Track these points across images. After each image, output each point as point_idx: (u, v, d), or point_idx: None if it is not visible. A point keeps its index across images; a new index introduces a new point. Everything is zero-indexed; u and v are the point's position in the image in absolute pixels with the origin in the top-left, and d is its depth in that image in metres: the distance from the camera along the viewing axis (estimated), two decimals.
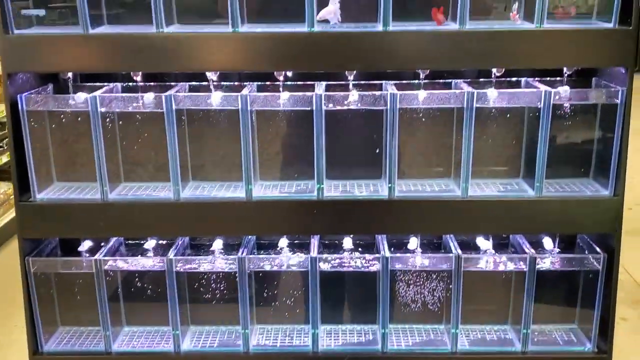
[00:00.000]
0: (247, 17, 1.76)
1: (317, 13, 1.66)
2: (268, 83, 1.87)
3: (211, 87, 1.84)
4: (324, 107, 1.70)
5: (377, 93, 1.70)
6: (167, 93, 1.70)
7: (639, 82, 2.39)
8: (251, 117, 1.74)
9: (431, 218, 1.74)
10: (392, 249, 1.88)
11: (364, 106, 1.71)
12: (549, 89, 1.68)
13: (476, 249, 1.93)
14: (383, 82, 1.83)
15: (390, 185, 1.75)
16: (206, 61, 1.65)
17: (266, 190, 1.84)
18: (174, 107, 1.69)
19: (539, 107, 1.68)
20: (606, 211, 1.71)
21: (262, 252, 1.97)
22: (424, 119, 1.79)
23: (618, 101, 1.65)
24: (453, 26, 1.67)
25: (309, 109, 1.70)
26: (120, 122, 1.79)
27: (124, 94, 1.78)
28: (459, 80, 1.82)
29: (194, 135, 1.85)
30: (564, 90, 1.75)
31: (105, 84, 1.86)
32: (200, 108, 1.74)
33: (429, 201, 1.74)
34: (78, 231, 1.80)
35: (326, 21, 1.68)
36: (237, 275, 1.78)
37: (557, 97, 1.67)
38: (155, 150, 1.83)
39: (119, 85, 1.87)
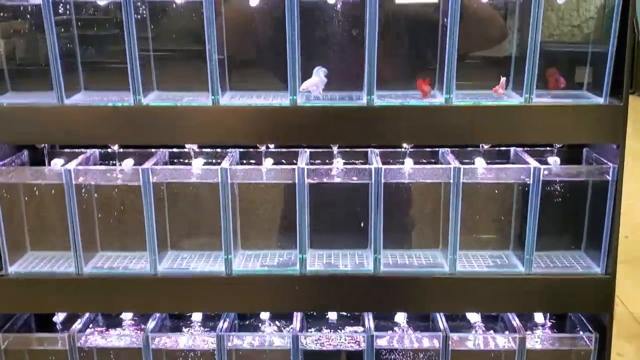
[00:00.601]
0: (229, 85, 1.73)
1: (300, 84, 1.62)
2: (251, 150, 1.83)
3: (192, 154, 1.79)
4: (307, 180, 1.65)
5: (361, 167, 1.65)
6: (145, 166, 1.65)
7: (636, 102, 2.35)
8: (232, 188, 1.69)
9: (418, 295, 1.68)
10: (378, 321, 1.83)
11: (348, 180, 1.66)
12: (537, 165, 1.63)
13: (465, 320, 1.87)
14: (369, 150, 1.79)
15: (375, 256, 1.70)
16: (186, 134, 1.60)
17: (247, 261, 1.77)
18: (151, 180, 1.64)
19: (528, 182, 1.64)
20: (598, 291, 1.66)
21: (244, 322, 1.91)
22: (409, 191, 1.74)
23: (609, 178, 1.61)
24: (438, 99, 1.63)
25: (292, 182, 1.65)
26: (97, 194, 1.73)
27: (100, 167, 1.73)
28: (445, 150, 1.78)
29: (172, 205, 1.79)
30: (554, 162, 1.71)
31: (83, 150, 1.81)
32: (178, 181, 1.68)
33: (416, 278, 1.68)
34: (52, 306, 1.73)
35: (309, 92, 1.64)
36: (215, 353, 1.72)
37: (546, 173, 1.63)
38: (133, 221, 1.77)
39: (96, 152, 1.82)
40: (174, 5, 1.66)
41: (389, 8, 1.61)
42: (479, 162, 1.74)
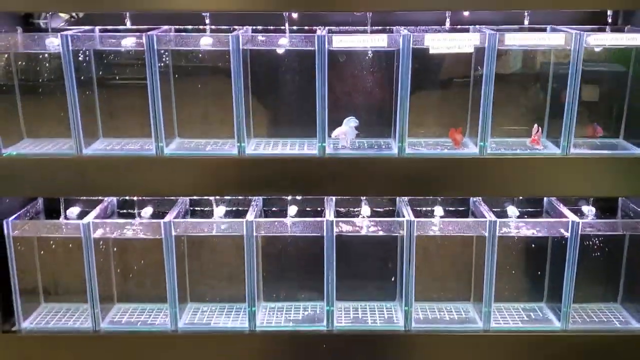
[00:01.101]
0: (253, 132, 1.67)
1: (330, 132, 1.56)
2: (275, 197, 1.77)
3: (213, 204, 1.73)
4: (334, 232, 1.58)
5: (391, 220, 1.59)
6: (166, 219, 1.58)
7: None
8: (256, 239, 1.63)
9: (451, 353, 1.61)
10: None
11: (377, 233, 1.59)
12: (576, 219, 1.57)
13: None
14: (397, 198, 1.73)
15: (406, 308, 1.63)
16: (209, 185, 1.54)
17: (271, 315, 1.71)
18: (172, 233, 1.57)
19: (565, 236, 1.58)
20: (638, 347, 1.59)
21: None
22: (441, 243, 1.68)
23: None
24: (471, 148, 1.57)
25: (319, 234, 1.59)
26: (115, 248, 1.67)
27: (119, 220, 1.66)
28: (479, 204, 1.71)
29: (193, 255, 1.73)
30: (589, 211, 1.66)
31: (99, 197, 1.75)
32: (200, 235, 1.62)
33: (449, 335, 1.61)
34: None
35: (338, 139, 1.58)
36: None
37: (584, 227, 1.57)
38: (152, 272, 1.70)
39: (114, 200, 1.75)
40: (199, 54, 1.61)
41: (422, 57, 1.56)
42: (511, 211, 1.68)
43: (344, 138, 1.57)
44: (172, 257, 1.59)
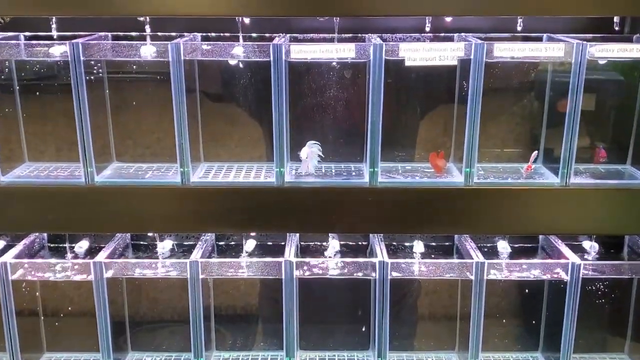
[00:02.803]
0: (203, 156, 1.45)
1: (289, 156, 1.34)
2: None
3: (157, 238, 1.50)
4: (295, 274, 1.36)
5: (363, 261, 1.36)
6: (97, 259, 1.35)
7: None
8: (205, 282, 1.40)
9: None
10: None
11: (345, 275, 1.37)
12: (577, 260, 1.35)
13: None
14: (370, 236, 1.50)
15: (380, 359, 1.40)
16: (144, 220, 1.30)
17: None
18: (104, 274, 1.34)
19: (565, 279, 1.35)
20: None
21: None
22: (421, 286, 1.45)
23: None
24: (455, 176, 1.35)
25: (277, 277, 1.36)
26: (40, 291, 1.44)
27: (36, 260, 1.42)
28: (465, 240, 1.48)
29: (133, 299, 1.50)
30: (592, 248, 1.44)
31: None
32: (140, 276, 1.39)
33: None
34: None
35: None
36: None
37: (586, 270, 1.34)
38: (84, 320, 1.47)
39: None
40: (141, 65, 1.38)
41: (396, 70, 1.34)
42: (502, 246, 1.46)
43: (305, 162, 1.35)
44: (104, 301, 1.36)
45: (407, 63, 1.26)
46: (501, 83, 1.36)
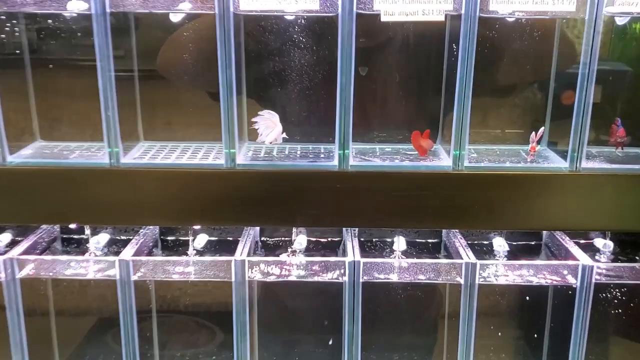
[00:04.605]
0: (143, 134, 1.22)
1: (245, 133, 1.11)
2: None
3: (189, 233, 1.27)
4: (247, 277, 1.13)
5: (333, 260, 1.13)
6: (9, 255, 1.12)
7: None
8: (141, 285, 1.18)
9: None
10: None
11: (309, 277, 1.14)
12: (588, 260, 1.12)
13: None
14: (343, 230, 1.27)
15: None
16: (65, 208, 1.08)
17: None
18: (17, 274, 1.11)
19: (574, 285, 1.13)
20: None
21: None
22: (401, 292, 1.22)
23: None
24: (443, 160, 1.12)
25: (228, 279, 1.13)
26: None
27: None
28: (454, 237, 1.25)
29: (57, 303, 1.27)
30: (605, 247, 1.21)
31: None
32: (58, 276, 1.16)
33: None
34: None
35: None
36: None
37: (600, 273, 1.12)
38: None
39: None
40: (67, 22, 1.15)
41: (371, 26, 1.11)
42: (499, 244, 1.24)
43: (265, 128, 1.11)
44: (16, 304, 1.13)
45: (383, 18, 1.03)
46: (498, 46, 1.12)
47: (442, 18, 1.04)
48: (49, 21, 1.10)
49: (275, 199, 1.07)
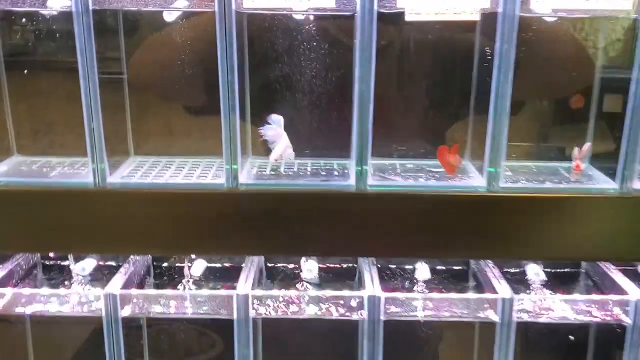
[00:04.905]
0: (133, 149, 1.08)
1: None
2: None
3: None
4: (252, 314, 0.99)
5: (345, 295, 1.00)
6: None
7: None
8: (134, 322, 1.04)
9: None
10: None
11: (324, 314, 1.00)
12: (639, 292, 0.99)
13: None
14: (360, 259, 1.13)
15: None
16: (41, 237, 0.95)
17: None
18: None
19: (623, 322, 0.99)
20: None
21: None
22: (424, 330, 1.09)
23: None
24: (474, 178, 0.99)
25: (229, 317, 0.99)
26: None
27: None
28: (485, 264, 1.11)
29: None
30: None
31: None
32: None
33: None
34: None
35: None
36: None
37: None
38: None
39: None
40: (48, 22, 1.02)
41: (394, 28, 0.98)
42: (533, 272, 1.10)
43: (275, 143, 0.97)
44: None
45: (408, 17, 0.89)
46: (539, 48, 0.99)
47: (476, 17, 0.91)
48: (24, 20, 0.98)
49: (284, 224, 0.93)
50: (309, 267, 1.09)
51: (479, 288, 1.07)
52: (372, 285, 0.99)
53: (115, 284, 0.98)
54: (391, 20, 0.94)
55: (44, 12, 0.97)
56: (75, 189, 0.93)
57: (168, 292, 0.97)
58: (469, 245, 0.93)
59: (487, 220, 0.93)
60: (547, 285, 1.08)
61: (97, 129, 0.93)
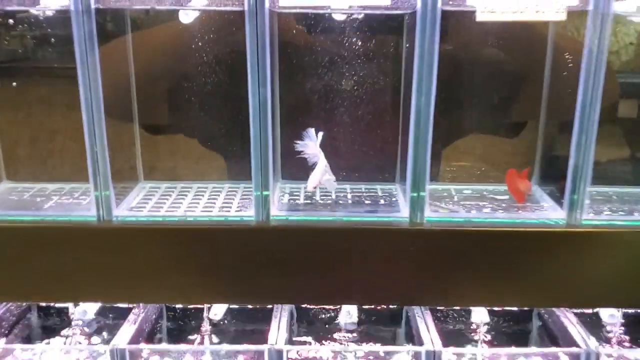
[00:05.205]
0: (143, 174, 0.93)
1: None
2: None
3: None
4: None
5: (401, 349, 0.84)
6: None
7: None
8: None
9: None
10: None
11: None
12: None
13: None
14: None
15: None
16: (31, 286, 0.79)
17: None
18: None
19: None
20: None
21: None
22: None
23: None
24: (553, 212, 0.82)
25: None
26: None
27: None
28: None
29: None
30: None
31: None
32: None
33: None
34: None
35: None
36: None
37: None
38: None
39: None
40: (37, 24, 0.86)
41: (459, 29, 0.82)
42: (608, 315, 0.94)
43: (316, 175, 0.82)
44: None
45: (480, 17, 0.74)
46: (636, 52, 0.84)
47: (562, 17, 0.75)
48: (10, 21, 0.82)
49: (323, 265, 0.78)
50: (348, 310, 0.94)
51: (550, 336, 0.92)
52: (429, 336, 0.84)
53: (123, 336, 0.82)
54: (456, 21, 0.79)
55: (37, 13, 0.81)
56: (74, 224, 0.78)
57: (183, 347, 0.82)
58: (546, 290, 0.78)
59: (566, 260, 0.77)
60: (626, 331, 0.92)
61: (100, 148, 0.77)
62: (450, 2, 0.73)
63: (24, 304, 0.98)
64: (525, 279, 0.77)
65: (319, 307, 0.98)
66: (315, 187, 0.81)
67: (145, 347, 0.80)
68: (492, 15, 0.73)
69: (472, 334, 0.94)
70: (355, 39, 0.87)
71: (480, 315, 0.93)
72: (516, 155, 0.94)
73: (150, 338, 0.92)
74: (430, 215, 0.79)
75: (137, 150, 0.91)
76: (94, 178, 0.78)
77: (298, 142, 0.81)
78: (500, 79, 0.89)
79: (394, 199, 0.86)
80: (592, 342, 0.82)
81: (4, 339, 0.89)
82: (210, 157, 0.93)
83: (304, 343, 0.92)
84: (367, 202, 0.86)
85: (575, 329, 0.85)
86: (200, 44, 0.87)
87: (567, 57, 0.79)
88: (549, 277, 0.77)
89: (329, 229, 0.78)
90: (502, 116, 0.94)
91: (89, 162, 0.77)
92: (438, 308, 0.96)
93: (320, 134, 0.81)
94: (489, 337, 0.91)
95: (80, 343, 0.89)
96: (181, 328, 0.96)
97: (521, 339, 0.98)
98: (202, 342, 0.91)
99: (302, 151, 0.81)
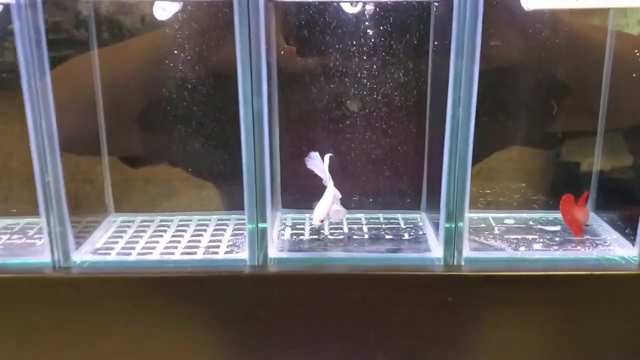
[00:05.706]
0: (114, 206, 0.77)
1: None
2: None
3: None
4: None
5: None
6: None
7: None
8: None
9: None
10: None
11: None
12: None
13: None
14: None
15: None
16: None
17: None
18: None
19: None
20: None
21: None
22: None
23: None
24: (620, 249, 0.66)
25: None
26: None
27: None
28: None
29: None
30: None
31: None
32: None
33: None
34: None
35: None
36: None
37: None
38: None
39: None
40: None
41: (501, 21, 0.67)
42: None
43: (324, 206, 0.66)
44: None
45: (530, 4, 0.59)
46: None
47: (626, 3, 0.60)
48: None
49: (335, 325, 0.62)
50: None
51: None
52: None
53: None
54: (498, 11, 0.63)
55: None
56: (25, 272, 0.62)
57: None
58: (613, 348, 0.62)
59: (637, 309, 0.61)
60: None
61: (54, 176, 0.61)
62: None
63: None
64: (589, 334, 0.61)
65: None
66: (322, 221, 0.65)
67: None
68: (544, 3, 0.58)
69: None
70: (370, 38, 0.72)
71: None
72: (565, 173, 0.79)
73: None
74: (470, 254, 0.64)
75: (105, 177, 0.75)
76: (46, 212, 0.62)
77: (307, 159, 0.65)
78: (550, 84, 0.73)
79: (420, 232, 0.71)
80: None
81: None
82: (195, 183, 0.77)
83: None
84: (387, 236, 0.70)
85: None
86: (178, 49, 0.72)
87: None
88: (614, 327, 0.61)
89: (341, 276, 0.62)
90: (547, 127, 0.78)
91: (39, 191, 0.62)
92: None
93: (328, 157, 0.66)
94: None
95: None
96: None
97: None
98: None
99: (309, 167, 0.65)
